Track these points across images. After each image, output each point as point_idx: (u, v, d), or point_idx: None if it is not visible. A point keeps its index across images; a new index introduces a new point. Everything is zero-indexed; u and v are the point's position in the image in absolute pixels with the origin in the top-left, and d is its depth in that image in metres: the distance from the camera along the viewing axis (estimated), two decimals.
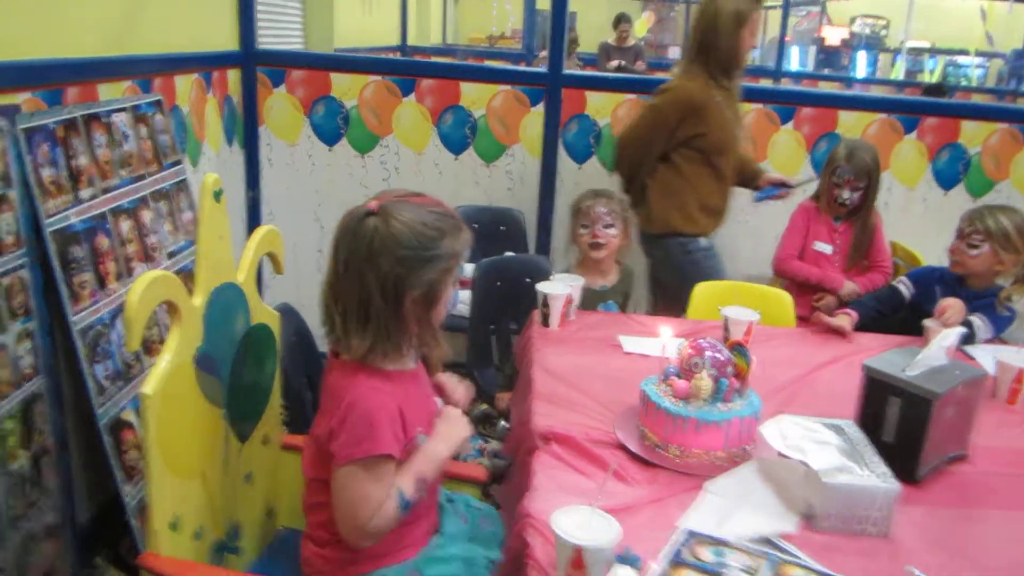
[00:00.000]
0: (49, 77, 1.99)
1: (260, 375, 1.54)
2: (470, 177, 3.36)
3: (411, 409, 1.30)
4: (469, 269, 2.94)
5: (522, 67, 5.57)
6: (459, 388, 1.50)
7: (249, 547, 1.54)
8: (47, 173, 1.87)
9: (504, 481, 1.66)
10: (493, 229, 3.27)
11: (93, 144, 2.08)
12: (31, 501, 1.82)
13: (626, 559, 1.02)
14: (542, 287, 2.03)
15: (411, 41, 8.35)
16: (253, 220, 3.36)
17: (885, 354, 1.57)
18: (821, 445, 1.35)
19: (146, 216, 2.26)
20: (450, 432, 1.35)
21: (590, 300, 2.27)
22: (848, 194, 2.60)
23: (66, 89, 2.05)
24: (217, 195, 1.34)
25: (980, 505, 1.41)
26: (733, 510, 1.31)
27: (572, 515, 1.10)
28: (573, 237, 2.40)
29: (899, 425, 1.45)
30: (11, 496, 1.76)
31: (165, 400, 1.23)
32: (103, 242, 2.03)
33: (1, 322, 1.72)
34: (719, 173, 2.59)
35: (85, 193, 2.00)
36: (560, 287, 2.04)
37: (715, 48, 2.47)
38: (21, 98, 1.88)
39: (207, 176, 1.34)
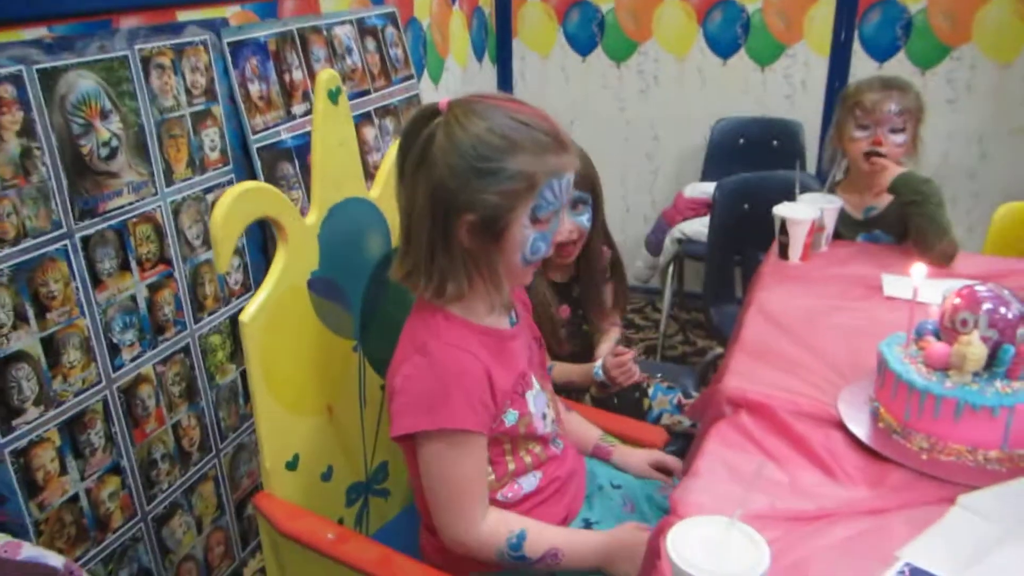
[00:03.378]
0: None
1: (403, 305, 1.35)
2: (739, 84, 2.90)
3: (501, 376, 1.03)
4: (708, 188, 2.54)
5: None
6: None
7: (399, 491, 1.39)
8: (255, 88, 1.84)
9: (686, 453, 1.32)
10: (763, 144, 2.80)
11: (311, 59, 2.03)
12: (242, 413, 1.87)
13: None
14: (780, 210, 1.60)
15: None
16: None
17: None
18: None
19: (368, 133, 2.19)
20: (615, 555, 1.05)
21: (851, 229, 1.77)
22: None
23: (282, 1, 2.01)
24: (333, 95, 1.15)
25: None
26: (998, 542, 0.87)
27: (704, 528, 0.77)
28: (840, 139, 1.77)
29: None
30: (221, 408, 1.80)
31: (269, 330, 1.09)
32: None
33: None
34: None
35: (298, 109, 1.96)
36: (805, 210, 1.60)
37: None
38: (230, 11, 1.85)
39: (323, 72, 1.16)
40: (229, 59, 1.77)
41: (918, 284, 1.11)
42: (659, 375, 1.77)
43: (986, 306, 1.00)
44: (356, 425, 1.29)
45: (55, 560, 0.95)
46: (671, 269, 2.76)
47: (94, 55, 1.45)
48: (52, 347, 1.38)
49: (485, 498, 1.06)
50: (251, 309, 1.07)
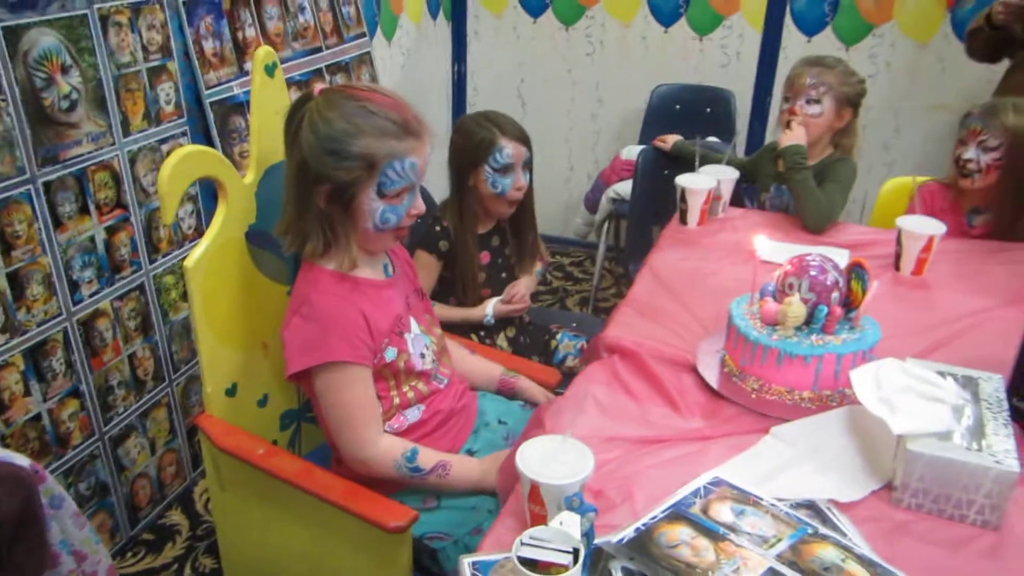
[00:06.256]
0: None
1: None
2: (679, 52, 3.05)
3: (376, 318, 1.23)
4: (632, 152, 2.74)
5: None
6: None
7: None
8: (209, 45, 1.97)
9: None
10: (698, 111, 2.98)
11: (264, 17, 2.15)
12: (194, 347, 2.04)
13: (578, 503, 0.88)
14: (681, 180, 1.79)
15: None
16: (459, 96, 3.36)
17: None
18: (928, 402, 1.06)
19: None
20: (491, 469, 1.25)
21: (769, 179, 1.99)
22: None
23: None
24: (270, 69, 1.30)
25: None
26: (792, 463, 1.09)
27: (549, 443, 0.97)
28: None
29: None
30: (174, 342, 1.97)
31: (209, 274, 1.26)
32: None
33: None
34: None
35: (250, 65, 2.08)
36: (703, 180, 1.79)
37: None
38: None
39: (260, 49, 1.31)
40: (184, 17, 1.89)
41: (764, 253, 1.31)
42: (573, 324, 1.98)
43: (810, 273, 1.21)
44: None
45: (22, 460, 1.13)
46: (606, 226, 2.95)
47: (55, 13, 1.57)
48: (17, 281, 1.54)
49: (378, 421, 1.25)
50: (195, 256, 1.24)
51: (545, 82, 3.23)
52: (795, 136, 1.84)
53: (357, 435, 1.23)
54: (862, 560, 0.90)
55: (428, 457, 1.25)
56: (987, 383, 1.13)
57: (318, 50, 2.34)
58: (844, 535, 0.96)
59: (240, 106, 2.05)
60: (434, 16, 3.12)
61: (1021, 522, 0.99)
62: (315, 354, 1.19)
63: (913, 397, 1.07)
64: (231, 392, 1.36)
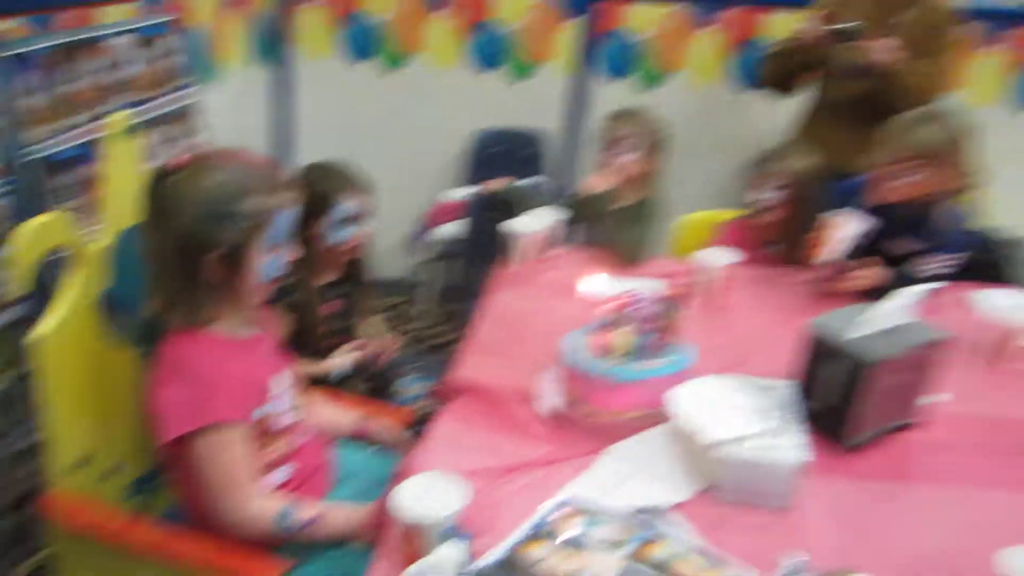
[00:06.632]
0: (37, 1, 2.01)
1: None
2: (497, 97, 3.25)
3: (252, 377, 1.27)
4: (456, 195, 2.93)
5: None
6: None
7: None
8: (32, 101, 1.91)
9: None
10: (514, 153, 3.19)
11: (87, 70, 2.10)
12: (18, 419, 1.93)
13: (452, 535, 0.99)
14: (511, 224, 1.96)
15: None
16: (281, 141, 3.38)
17: (846, 308, 1.44)
18: (733, 410, 1.26)
19: (148, 141, 2.30)
20: (361, 519, 1.29)
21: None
22: None
23: (56, 14, 2.07)
24: (127, 132, 1.33)
25: (912, 479, 1.30)
26: (629, 476, 1.25)
27: (424, 481, 1.07)
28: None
29: (835, 390, 1.34)
30: None
31: (62, 343, 1.26)
32: (92, 169, 2.08)
33: None
34: None
35: (75, 120, 2.04)
36: (530, 223, 1.96)
37: None
38: (5, 25, 1.90)
39: (118, 114, 1.33)
40: (4, 74, 1.84)
41: (590, 289, 1.49)
42: (418, 363, 2.09)
43: (634, 306, 1.39)
44: (139, 425, 1.47)
45: None
46: (434, 266, 3.08)
47: None
48: None
49: (256, 478, 1.28)
50: (48, 323, 1.24)
51: (369, 127, 3.32)
52: (609, 181, 2.06)
53: (237, 495, 1.24)
54: (697, 550, 1.08)
55: (304, 509, 1.27)
56: (782, 389, 1.36)
57: (145, 101, 2.31)
58: (676, 533, 1.13)
59: (67, 162, 1.99)
60: (257, 63, 3.14)
61: (809, 502, 1.20)
62: (199, 416, 1.20)
63: (721, 408, 1.27)
64: (82, 463, 1.34)
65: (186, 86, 2.51)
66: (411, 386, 1.95)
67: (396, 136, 3.34)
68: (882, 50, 2.22)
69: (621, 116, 2.12)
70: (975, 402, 1.49)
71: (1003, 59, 3.00)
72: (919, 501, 1.25)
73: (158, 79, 2.38)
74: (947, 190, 1.80)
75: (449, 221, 3.00)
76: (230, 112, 2.92)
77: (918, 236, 1.86)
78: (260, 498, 1.26)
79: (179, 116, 2.47)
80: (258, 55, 3.12)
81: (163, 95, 2.40)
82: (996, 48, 2.98)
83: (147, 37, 2.34)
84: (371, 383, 1.93)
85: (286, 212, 1.25)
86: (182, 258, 1.19)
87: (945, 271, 1.82)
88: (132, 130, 1.36)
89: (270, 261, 1.25)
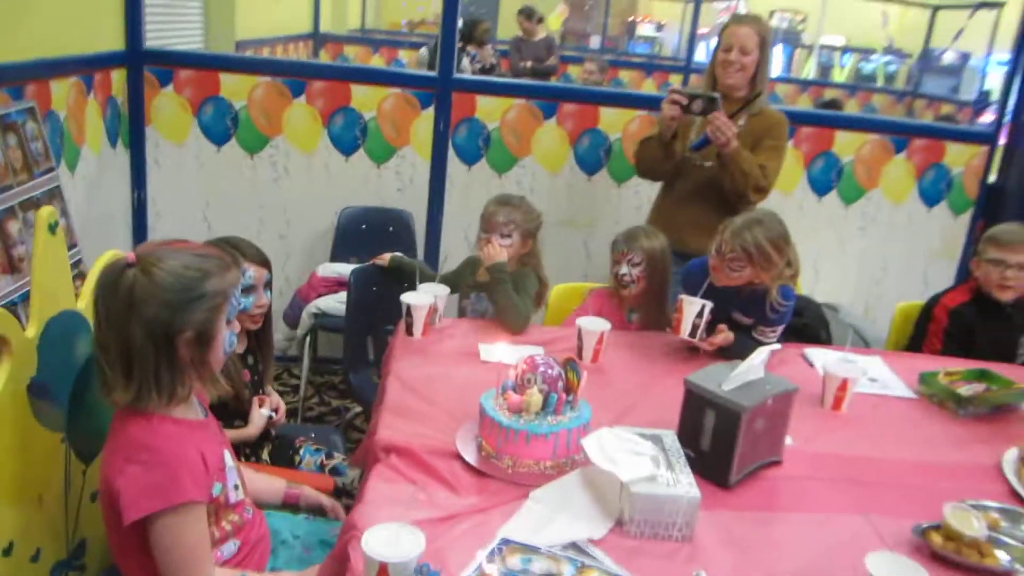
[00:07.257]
0: None
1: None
2: (360, 177, 3.40)
3: (208, 455, 1.33)
4: (339, 268, 3.06)
5: (413, 70, 5.49)
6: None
7: (94, 563, 1.57)
8: None
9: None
10: (382, 230, 3.33)
11: None
12: None
13: (425, 571, 1.10)
14: (405, 297, 2.10)
15: (326, 26, 8.13)
16: (140, 222, 3.34)
17: (709, 367, 1.69)
18: (636, 456, 1.46)
19: (12, 227, 2.25)
20: None
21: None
22: None
23: None
24: (52, 227, 1.36)
25: (783, 509, 1.55)
26: (552, 517, 1.41)
27: (383, 531, 1.18)
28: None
29: (714, 435, 1.57)
30: None
31: None
32: None
33: None
34: None
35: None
36: (424, 297, 2.11)
37: None
38: None
39: (43, 209, 1.37)
40: None
41: (493, 355, 1.66)
42: (312, 435, 2.15)
43: (540, 369, 1.57)
44: (62, 509, 1.46)
45: None
46: (307, 340, 3.13)
47: None
48: None
49: (212, 555, 1.33)
50: None
51: (232, 207, 3.36)
52: (497, 254, 2.26)
53: (200, 571, 1.27)
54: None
55: None
56: (666, 437, 1.58)
57: (8, 188, 2.26)
58: (601, 562, 1.30)
59: None
60: (113, 145, 3.11)
61: (704, 533, 1.41)
62: (166, 497, 1.22)
63: (624, 453, 1.47)
64: (7, 552, 1.33)
65: (50, 170, 2.48)
66: (305, 458, 2.01)
67: (260, 215, 3.40)
68: (726, 126, 2.51)
69: (502, 204, 2.35)
70: (819, 442, 1.78)
71: (797, 154, 3.54)
72: (791, 525, 1.50)
73: (23, 165, 2.34)
74: (771, 279, 2.12)
75: (323, 295, 3.08)
76: (88, 194, 2.89)
77: (751, 313, 2.18)
78: (218, 574, 1.31)
79: (44, 200, 2.42)
80: (112, 138, 3.10)
81: (28, 181, 2.35)
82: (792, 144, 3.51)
83: (10, 124, 2.31)
84: (274, 452, 1.98)
85: (239, 287, 1.34)
86: (155, 344, 1.24)
87: (776, 338, 2.15)
88: (54, 226, 1.39)
89: (229, 334, 1.34)
